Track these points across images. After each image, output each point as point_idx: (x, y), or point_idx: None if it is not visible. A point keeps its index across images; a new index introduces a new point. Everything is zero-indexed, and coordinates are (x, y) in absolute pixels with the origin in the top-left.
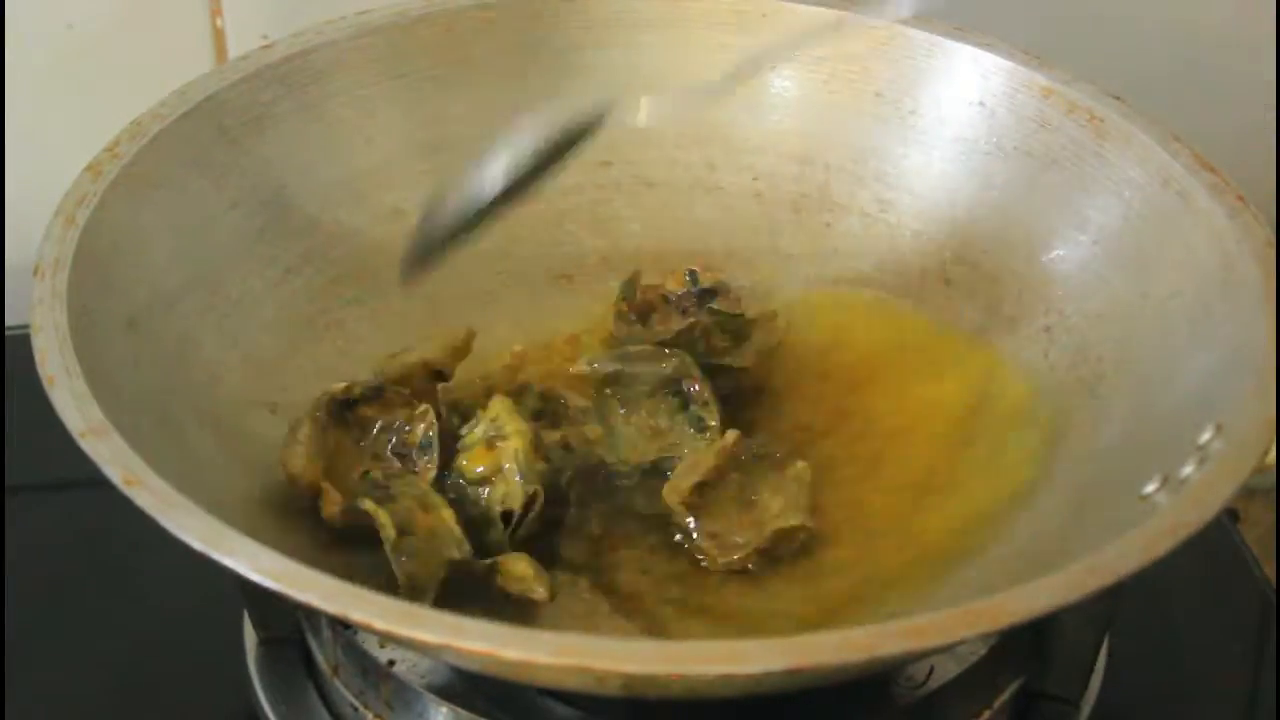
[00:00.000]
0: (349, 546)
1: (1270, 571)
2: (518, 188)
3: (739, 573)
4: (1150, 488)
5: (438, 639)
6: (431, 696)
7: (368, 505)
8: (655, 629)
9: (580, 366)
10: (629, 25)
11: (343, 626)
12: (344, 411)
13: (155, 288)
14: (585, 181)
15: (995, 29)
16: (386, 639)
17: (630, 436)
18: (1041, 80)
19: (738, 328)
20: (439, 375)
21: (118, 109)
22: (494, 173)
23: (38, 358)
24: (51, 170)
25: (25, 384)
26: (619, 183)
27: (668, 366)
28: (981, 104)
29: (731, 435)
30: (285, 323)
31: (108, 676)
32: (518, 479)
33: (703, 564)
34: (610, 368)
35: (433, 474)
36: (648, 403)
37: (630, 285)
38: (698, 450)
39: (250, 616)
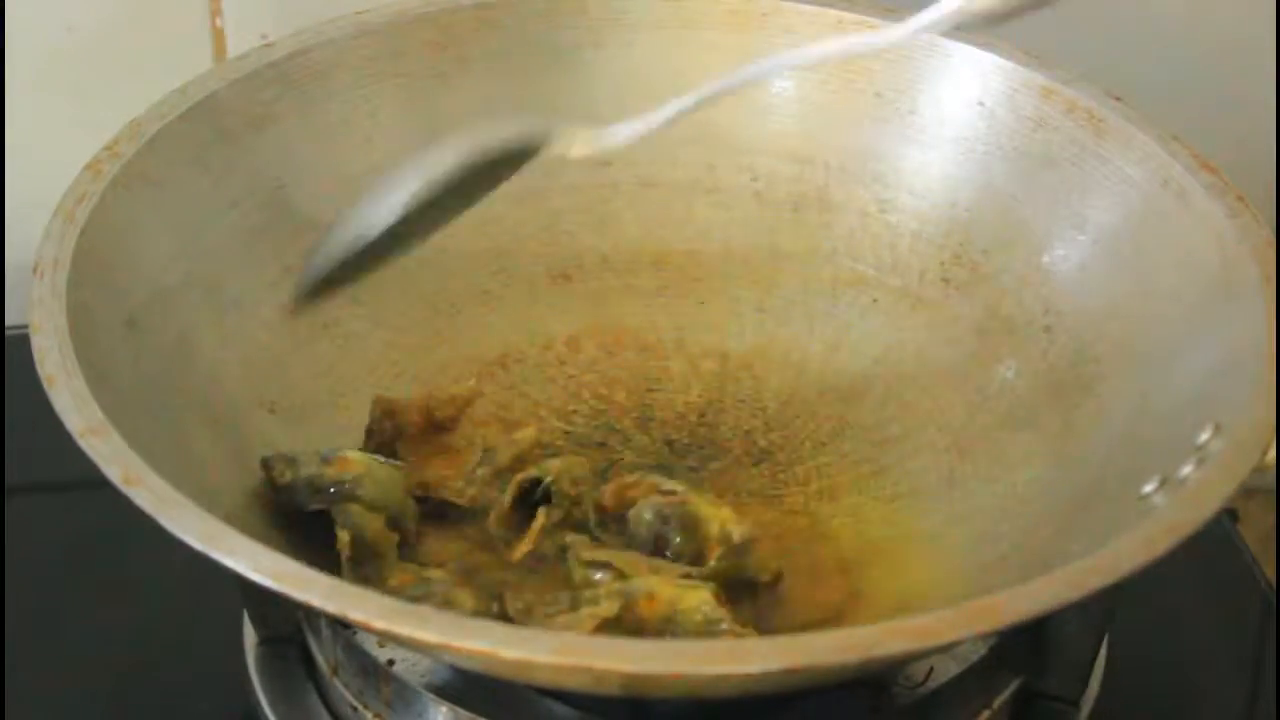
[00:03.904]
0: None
1: (1270, 571)
2: (427, 214)
3: None
4: (1149, 488)
5: (437, 639)
6: (431, 696)
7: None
8: None
9: None
10: (628, 25)
11: (342, 626)
12: None
13: (155, 287)
14: (585, 181)
15: (995, 29)
16: (386, 638)
17: None
18: (1041, 80)
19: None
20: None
21: (118, 109)
22: (395, 200)
23: (37, 358)
24: (51, 170)
25: (25, 384)
26: (618, 183)
27: None
28: (981, 104)
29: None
30: (285, 322)
31: (108, 676)
32: None
33: None
34: None
35: None
36: None
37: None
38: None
39: (250, 616)
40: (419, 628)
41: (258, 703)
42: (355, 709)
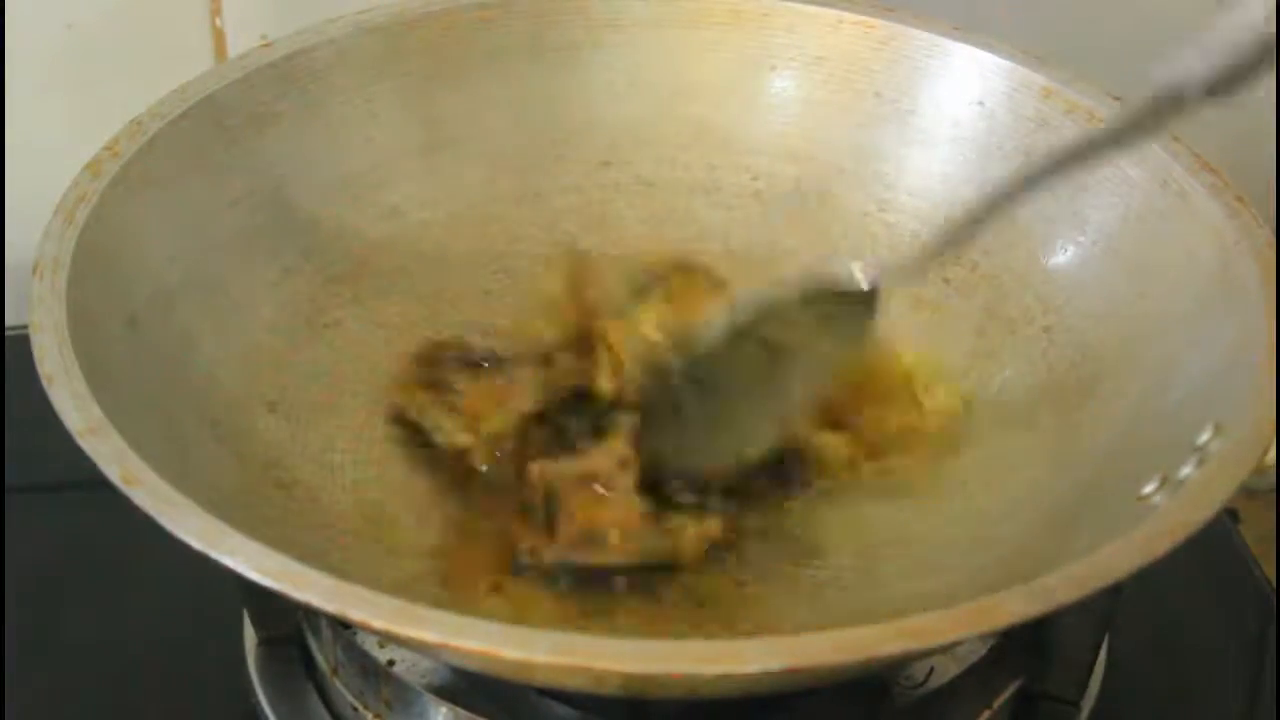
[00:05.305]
0: (346, 544)
1: (1270, 571)
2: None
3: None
4: (1149, 488)
5: (436, 638)
6: (431, 696)
7: None
8: None
9: None
10: (628, 25)
11: (342, 626)
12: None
13: (154, 286)
14: (585, 181)
15: (995, 29)
16: (385, 638)
17: None
18: (1041, 80)
19: None
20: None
21: (118, 109)
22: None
23: (37, 357)
24: (51, 170)
25: (25, 384)
26: (619, 183)
27: None
28: (981, 104)
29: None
30: (285, 322)
31: (108, 677)
32: None
33: None
34: None
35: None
36: None
37: None
38: None
39: (250, 616)
40: (419, 628)
41: (258, 703)
42: (355, 709)
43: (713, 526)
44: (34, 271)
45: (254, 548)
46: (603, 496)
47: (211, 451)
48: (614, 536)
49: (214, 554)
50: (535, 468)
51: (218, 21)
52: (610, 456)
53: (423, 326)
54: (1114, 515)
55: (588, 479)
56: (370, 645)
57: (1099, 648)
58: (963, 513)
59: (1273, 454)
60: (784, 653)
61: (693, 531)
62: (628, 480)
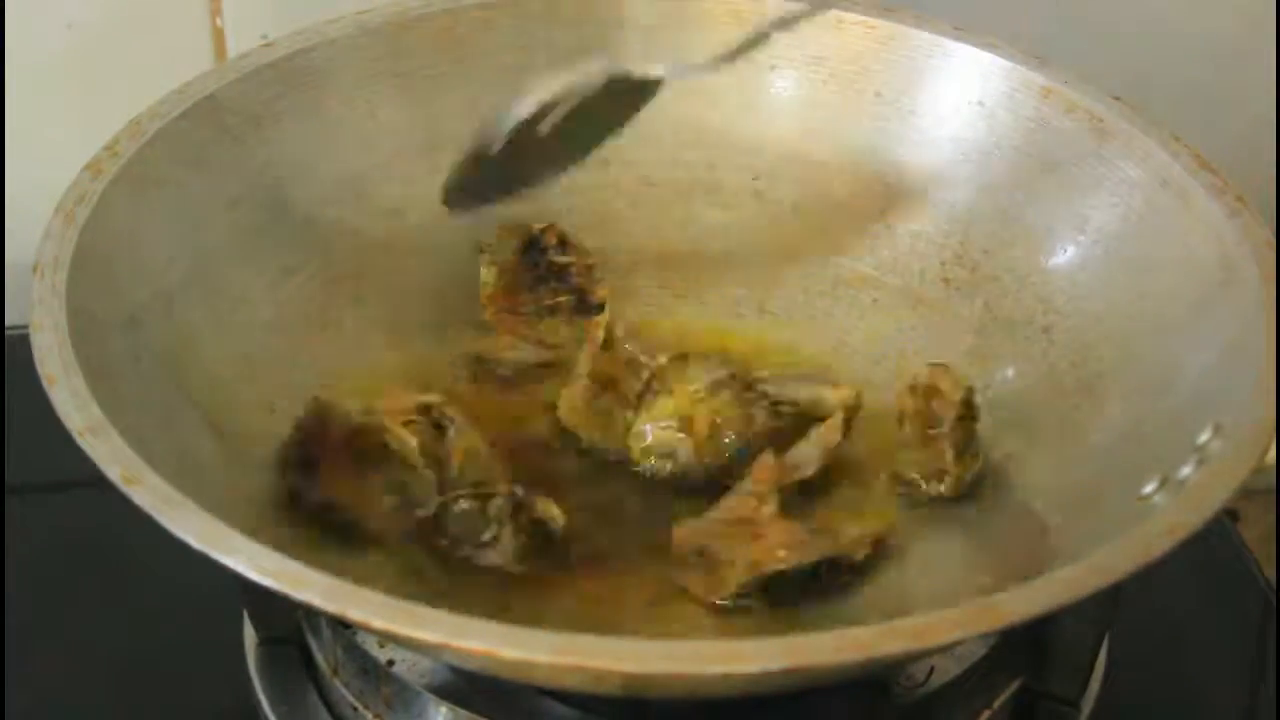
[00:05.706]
0: (347, 546)
1: (1270, 572)
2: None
3: None
4: (1149, 488)
5: (436, 638)
6: (431, 696)
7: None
8: None
9: None
10: (628, 25)
11: (342, 626)
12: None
13: (155, 286)
14: (585, 181)
15: (995, 29)
16: (385, 638)
17: None
18: (1041, 80)
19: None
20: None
21: (118, 109)
22: (524, 105)
23: (37, 357)
24: (51, 170)
25: (25, 384)
26: (619, 183)
27: None
28: (981, 104)
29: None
30: (285, 322)
31: (108, 676)
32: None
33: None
34: None
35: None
36: None
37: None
38: None
39: (250, 616)
40: (419, 628)
41: (258, 703)
42: (355, 709)
43: (873, 523)
44: (34, 272)
45: (254, 548)
46: (759, 535)
47: (212, 451)
48: (782, 553)
49: (214, 554)
50: (679, 532)
51: (218, 21)
52: (746, 499)
53: (422, 326)
54: (1114, 515)
55: (738, 525)
56: (370, 645)
57: (1099, 648)
58: (963, 512)
59: (1273, 454)
60: (784, 653)
61: (855, 531)
62: (772, 509)
